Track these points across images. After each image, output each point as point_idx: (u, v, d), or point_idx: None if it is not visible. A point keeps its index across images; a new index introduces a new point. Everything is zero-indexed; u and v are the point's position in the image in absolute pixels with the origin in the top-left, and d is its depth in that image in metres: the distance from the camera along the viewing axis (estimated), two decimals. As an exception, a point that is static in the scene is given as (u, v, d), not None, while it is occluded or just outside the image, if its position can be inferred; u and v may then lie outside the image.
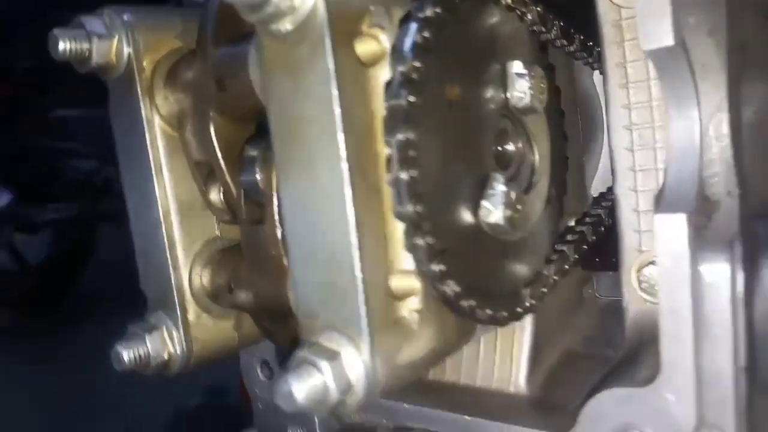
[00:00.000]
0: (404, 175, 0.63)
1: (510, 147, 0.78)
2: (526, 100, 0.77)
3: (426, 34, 0.65)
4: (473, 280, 0.73)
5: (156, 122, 0.86)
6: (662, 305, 0.71)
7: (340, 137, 0.65)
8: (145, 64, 0.85)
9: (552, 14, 0.86)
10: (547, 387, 0.93)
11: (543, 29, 0.85)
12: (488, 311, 0.74)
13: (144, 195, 0.87)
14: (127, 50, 0.84)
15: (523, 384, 0.91)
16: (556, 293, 0.98)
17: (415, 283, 0.71)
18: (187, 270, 0.88)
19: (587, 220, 0.97)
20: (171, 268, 0.87)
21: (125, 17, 0.85)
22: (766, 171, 0.70)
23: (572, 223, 0.96)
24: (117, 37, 0.84)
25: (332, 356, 0.67)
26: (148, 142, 0.86)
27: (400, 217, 0.65)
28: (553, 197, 0.86)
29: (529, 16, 0.82)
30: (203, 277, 0.90)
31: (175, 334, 0.87)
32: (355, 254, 0.66)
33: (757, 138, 0.71)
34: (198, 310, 0.89)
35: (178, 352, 0.88)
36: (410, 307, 0.72)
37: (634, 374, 0.77)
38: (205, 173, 0.86)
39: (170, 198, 0.87)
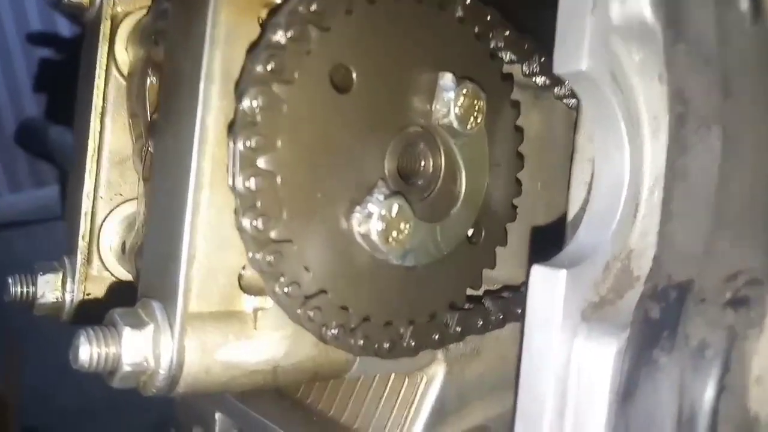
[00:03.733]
0: (240, 142, 0.57)
1: (419, 164, 0.70)
2: (449, 117, 0.69)
3: (315, 7, 0.60)
4: (333, 293, 0.64)
5: (111, 70, 0.86)
6: (521, 382, 0.59)
7: (201, 92, 0.60)
8: (114, 11, 0.86)
9: (527, 42, 0.78)
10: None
11: (508, 56, 0.77)
12: (342, 332, 0.65)
13: (83, 137, 0.87)
14: (100, -6, 0.85)
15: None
16: (485, 356, 0.87)
17: (266, 279, 0.64)
18: (100, 220, 0.86)
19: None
20: (83, 213, 0.85)
21: (108, -39, 0.86)
22: (688, 247, 0.57)
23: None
24: (93, -22, 0.85)
25: (137, 324, 0.61)
26: (95, 86, 0.85)
27: (232, 189, 0.59)
28: (480, 241, 0.76)
29: (490, 39, 0.74)
30: (116, 234, 0.87)
31: (69, 281, 0.85)
32: (187, 219, 0.61)
33: (688, 212, 0.58)
34: (101, 266, 0.87)
35: (67, 300, 0.85)
36: (256, 305, 0.66)
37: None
38: (138, 129, 0.85)
39: (105, 145, 0.86)
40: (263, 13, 0.64)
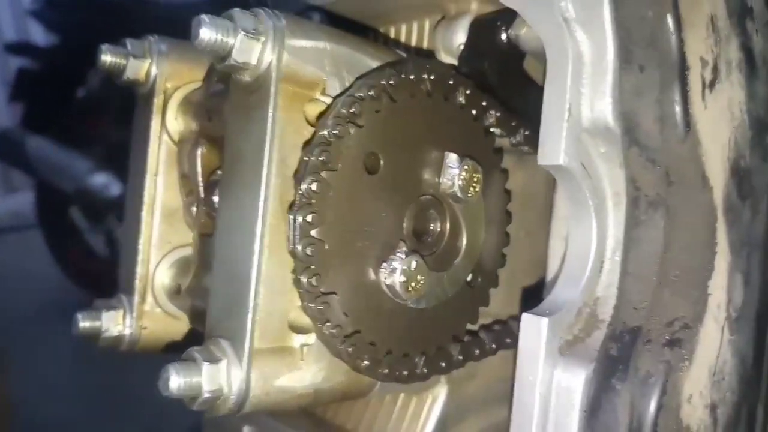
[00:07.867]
0: (300, 218, 0.74)
1: (429, 225, 0.87)
2: (454, 188, 0.86)
3: (353, 109, 0.77)
4: (365, 332, 0.81)
5: (162, 136, 1.02)
6: (515, 402, 0.77)
7: (264, 177, 0.77)
8: (165, 87, 1.01)
9: (514, 119, 0.96)
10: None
11: (499, 132, 0.94)
12: (372, 363, 0.82)
13: (137, 194, 1.02)
14: (154, 72, 1.01)
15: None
16: (479, 377, 1.05)
17: (309, 321, 0.81)
18: (153, 265, 1.02)
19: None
20: (139, 259, 1.01)
21: (162, 47, 1.02)
22: (639, 299, 0.75)
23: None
24: (150, 60, 1.01)
25: (213, 360, 0.77)
26: (149, 150, 1.01)
27: (291, 254, 0.76)
28: (477, 285, 0.94)
29: (485, 119, 0.92)
30: (167, 277, 1.03)
31: (128, 317, 1.00)
32: (253, 275, 0.77)
33: (639, 272, 0.76)
34: (154, 303, 1.02)
35: (127, 333, 1.01)
36: (302, 342, 0.82)
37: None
38: (188, 187, 1.01)
39: (157, 200, 1.02)
40: (308, 108, 0.81)
